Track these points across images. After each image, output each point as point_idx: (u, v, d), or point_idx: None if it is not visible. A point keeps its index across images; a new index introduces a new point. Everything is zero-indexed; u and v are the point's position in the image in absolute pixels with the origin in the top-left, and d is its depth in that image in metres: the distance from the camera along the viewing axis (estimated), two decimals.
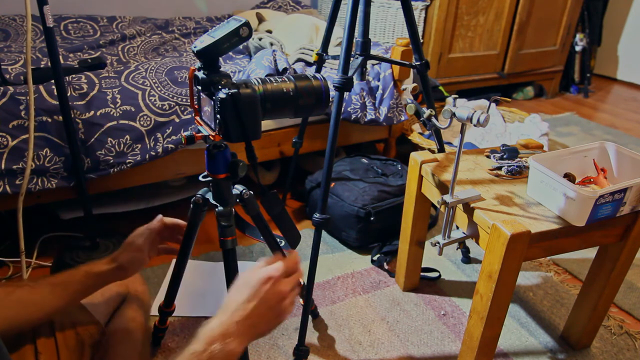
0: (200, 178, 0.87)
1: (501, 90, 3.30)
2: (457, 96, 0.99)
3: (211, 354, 0.59)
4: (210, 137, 0.79)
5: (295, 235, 0.98)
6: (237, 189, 0.93)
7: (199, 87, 0.78)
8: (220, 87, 0.73)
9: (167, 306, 1.13)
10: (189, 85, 0.81)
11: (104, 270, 0.87)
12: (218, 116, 0.73)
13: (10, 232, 1.53)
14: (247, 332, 0.63)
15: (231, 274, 0.89)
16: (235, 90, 0.72)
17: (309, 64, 1.83)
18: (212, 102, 0.75)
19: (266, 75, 1.63)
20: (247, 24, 0.74)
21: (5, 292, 0.79)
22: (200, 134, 0.80)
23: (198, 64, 0.77)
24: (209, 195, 0.91)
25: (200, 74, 0.76)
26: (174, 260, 1.07)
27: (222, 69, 0.77)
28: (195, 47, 0.74)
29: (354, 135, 2.01)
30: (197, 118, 0.84)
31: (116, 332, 0.97)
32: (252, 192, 0.94)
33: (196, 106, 0.84)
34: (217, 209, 0.87)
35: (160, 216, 0.95)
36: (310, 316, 1.34)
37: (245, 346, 0.64)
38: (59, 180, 1.44)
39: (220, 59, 0.78)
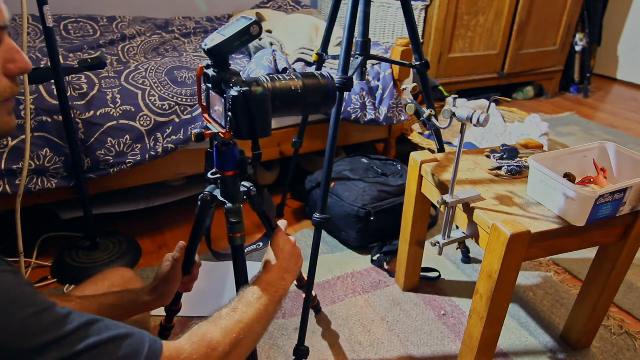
0: (209, 175, 0.89)
1: (501, 90, 3.30)
2: (457, 96, 0.99)
3: (278, 283, 0.82)
4: (220, 134, 0.79)
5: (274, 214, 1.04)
6: (245, 186, 0.94)
7: (209, 85, 0.79)
8: (231, 85, 0.73)
9: (174, 304, 1.14)
10: (197, 83, 0.82)
11: (148, 301, 0.94)
12: (229, 114, 0.74)
13: (10, 232, 1.53)
14: (292, 274, 0.88)
15: (240, 270, 0.90)
16: (247, 88, 0.72)
17: (309, 64, 1.82)
18: (223, 100, 0.75)
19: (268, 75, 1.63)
20: (257, 23, 0.74)
21: None
22: (209, 132, 0.81)
23: (205, 62, 0.78)
24: (217, 193, 0.92)
25: (211, 72, 0.77)
26: None
27: None
28: (205, 45, 0.75)
29: (354, 135, 2.01)
30: (205, 115, 0.85)
31: None
32: (255, 190, 0.95)
33: (204, 104, 0.85)
34: (225, 206, 0.88)
35: (182, 243, 0.99)
36: (313, 312, 1.35)
37: (292, 283, 0.88)
38: (59, 180, 1.44)
39: None
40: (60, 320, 0.49)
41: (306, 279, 1.19)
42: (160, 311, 1.18)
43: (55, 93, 1.33)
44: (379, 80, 1.88)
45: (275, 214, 1.00)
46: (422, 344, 1.27)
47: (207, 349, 0.62)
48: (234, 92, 0.72)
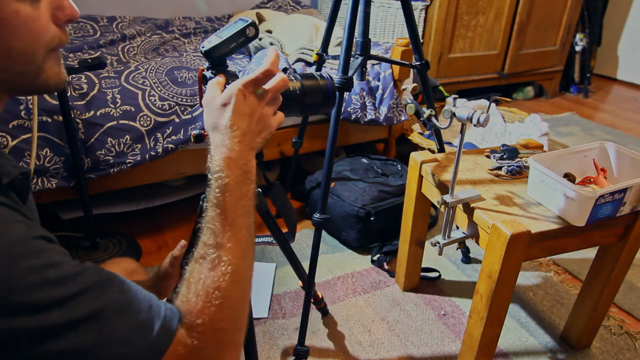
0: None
1: (501, 90, 3.30)
2: (457, 96, 0.99)
3: (241, 172, 0.61)
4: None
5: (294, 223, 1.03)
6: None
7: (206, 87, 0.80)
8: (226, 85, 0.74)
9: None
10: (198, 85, 0.83)
11: None
12: None
13: None
14: (249, 143, 0.64)
15: None
16: None
17: (309, 64, 1.83)
18: None
19: None
20: (253, 24, 0.75)
21: None
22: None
23: (206, 64, 0.79)
24: None
25: (209, 74, 0.78)
26: None
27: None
28: (203, 47, 0.76)
29: (354, 135, 2.01)
30: None
31: None
32: (260, 190, 0.96)
33: None
34: None
35: (183, 242, 1.00)
36: (320, 313, 1.36)
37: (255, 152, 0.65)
38: (59, 180, 1.44)
39: None
40: (67, 277, 0.44)
41: (306, 280, 1.19)
42: None
43: (56, 93, 1.33)
44: (379, 80, 1.88)
45: (291, 210, 1.00)
46: (422, 344, 1.27)
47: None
48: None
